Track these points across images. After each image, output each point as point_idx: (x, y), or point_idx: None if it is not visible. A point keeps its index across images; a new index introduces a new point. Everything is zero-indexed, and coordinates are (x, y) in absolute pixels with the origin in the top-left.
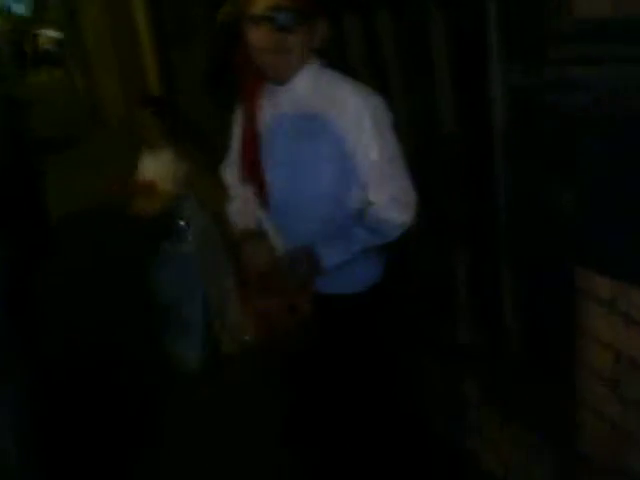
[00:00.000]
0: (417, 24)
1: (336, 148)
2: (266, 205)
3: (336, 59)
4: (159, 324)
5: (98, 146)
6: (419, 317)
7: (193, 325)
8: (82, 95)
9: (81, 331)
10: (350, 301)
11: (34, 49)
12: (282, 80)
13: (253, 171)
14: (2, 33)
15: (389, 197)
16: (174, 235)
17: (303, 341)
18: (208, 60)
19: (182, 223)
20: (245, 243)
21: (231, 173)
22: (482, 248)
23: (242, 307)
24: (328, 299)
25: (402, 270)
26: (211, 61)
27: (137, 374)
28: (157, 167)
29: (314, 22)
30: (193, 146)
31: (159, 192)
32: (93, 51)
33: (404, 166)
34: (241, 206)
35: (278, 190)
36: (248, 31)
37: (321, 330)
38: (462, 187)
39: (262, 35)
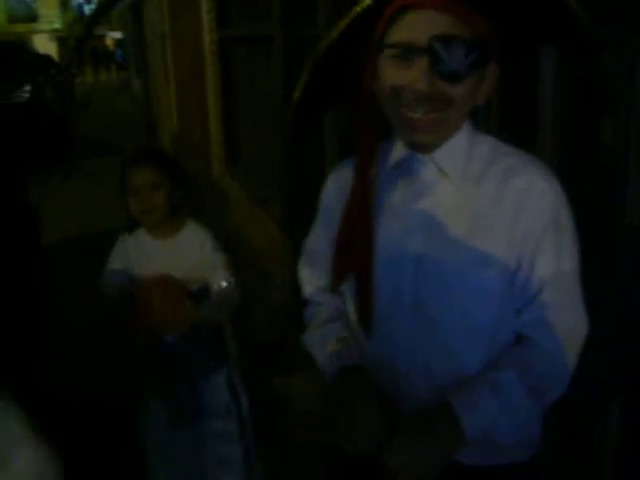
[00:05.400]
0: None
1: (500, 248)
2: (368, 325)
3: None
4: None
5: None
6: None
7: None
8: (140, 100)
9: None
10: (505, 477)
11: (103, 49)
12: (429, 146)
13: (360, 270)
14: (73, 33)
15: (559, 332)
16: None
17: None
18: (301, 97)
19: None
20: (350, 401)
21: (312, 275)
22: None
23: None
24: (470, 475)
25: None
26: (306, 99)
27: None
28: (177, 251)
29: (486, 66)
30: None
31: (182, 294)
32: (153, 64)
33: (580, 290)
34: (333, 326)
35: (396, 302)
36: (384, 69)
37: None
38: None
39: (412, 78)
